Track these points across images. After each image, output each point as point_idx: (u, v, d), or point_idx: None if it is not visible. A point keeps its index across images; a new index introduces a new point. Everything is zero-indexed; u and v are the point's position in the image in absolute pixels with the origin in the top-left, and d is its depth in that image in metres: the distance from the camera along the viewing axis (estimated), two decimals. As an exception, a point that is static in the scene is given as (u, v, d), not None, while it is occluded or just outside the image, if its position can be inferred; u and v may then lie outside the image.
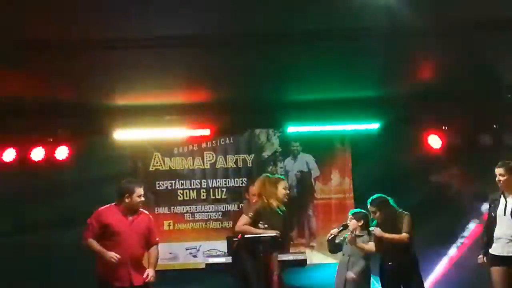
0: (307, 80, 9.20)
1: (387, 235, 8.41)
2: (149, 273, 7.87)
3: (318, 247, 10.43)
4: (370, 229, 8.53)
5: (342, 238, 8.82)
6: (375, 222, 8.53)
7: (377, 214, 8.59)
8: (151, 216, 8.28)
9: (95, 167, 10.19)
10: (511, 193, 8.19)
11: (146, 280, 7.85)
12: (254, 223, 8.14)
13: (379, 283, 8.73)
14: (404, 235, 8.49)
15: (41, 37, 7.60)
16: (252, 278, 8.16)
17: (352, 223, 8.74)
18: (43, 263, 9.87)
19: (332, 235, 8.83)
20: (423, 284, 8.70)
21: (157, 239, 8.11)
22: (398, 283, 8.61)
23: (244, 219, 8.17)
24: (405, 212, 8.61)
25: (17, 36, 7.52)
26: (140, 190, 7.90)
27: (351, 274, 8.53)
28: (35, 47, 7.77)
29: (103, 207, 7.93)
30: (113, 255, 7.66)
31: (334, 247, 8.88)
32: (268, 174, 8.62)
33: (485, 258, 8.25)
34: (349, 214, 8.89)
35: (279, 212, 8.18)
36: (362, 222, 8.71)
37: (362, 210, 8.90)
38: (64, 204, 10.00)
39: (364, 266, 8.59)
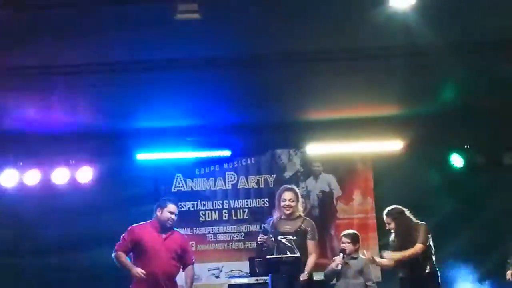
0: (328, 99, 9.20)
1: (397, 255, 8.29)
2: None
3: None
4: (384, 254, 8.44)
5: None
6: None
7: (392, 225, 8.51)
8: (186, 236, 8.36)
9: (117, 189, 10.23)
10: None
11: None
12: None
13: None
14: (418, 246, 8.36)
15: (67, 61, 7.70)
16: None
17: (349, 247, 8.61)
18: (66, 285, 9.89)
19: (341, 265, 8.64)
20: None
21: (192, 259, 8.15)
22: None
23: None
24: (421, 222, 8.50)
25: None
26: (172, 206, 8.01)
27: None
28: (60, 70, 7.84)
29: (138, 224, 8.03)
30: (139, 271, 7.71)
31: (333, 276, 8.72)
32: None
33: None
34: (343, 237, 8.74)
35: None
36: (357, 245, 8.64)
37: (353, 231, 8.79)
38: (87, 226, 10.01)
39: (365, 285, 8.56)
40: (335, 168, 10.76)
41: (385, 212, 8.55)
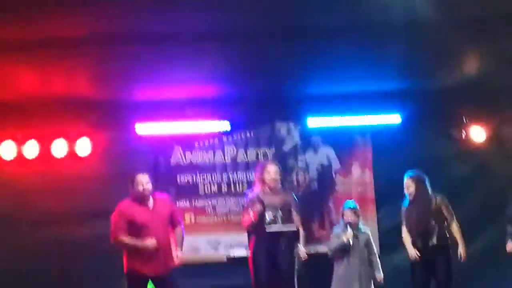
0: (328, 73, 9.19)
1: (461, 243, 8.43)
2: (178, 254, 7.95)
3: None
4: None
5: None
6: None
7: (411, 189, 8.54)
8: (167, 196, 8.36)
9: (116, 161, 10.21)
10: None
11: (176, 264, 7.93)
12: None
13: None
14: (454, 225, 8.46)
15: (65, 33, 7.66)
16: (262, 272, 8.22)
17: (354, 220, 8.69)
18: (64, 256, 9.93)
19: (347, 239, 8.71)
20: (451, 271, 8.61)
21: (180, 219, 8.18)
22: (427, 265, 8.57)
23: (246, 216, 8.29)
24: (440, 196, 8.54)
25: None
26: (139, 178, 7.90)
27: (379, 277, 8.54)
28: (59, 42, 7.81)
29: (121, 203, 7.98)
30: (150, 242, 7.72)
31: (339, 250, 8.80)
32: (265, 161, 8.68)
33: None
34: (347, 209, 8.82)
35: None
36: (360, 216, 8.72)
37: (354, 201, 8.90)
38: (85, 198, 10.03)
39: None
40: (334, 141, 10.75)
41: (407, 174, 8.56)
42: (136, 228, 7.81)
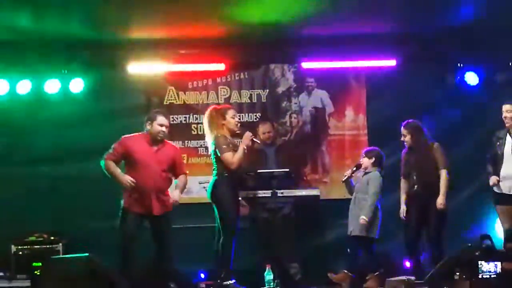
0: (323, 14, 9.10)
1: (443, 194, 8.47)
2: (174, 194, 8.02)
3: (331, 183, 10.45)
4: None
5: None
6: None
7: (407, 137, 8.68)
8: (178, 148, 8.46)
9: (109, 100, 10.21)
10: None
11: (170, 201, 8.00)
12: None
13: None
14: (444, 172, 8.53)
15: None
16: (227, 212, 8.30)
17: (364, 161, 8.85)
18: (56, 193, 9.96)
19: (346, 176, 8.94)
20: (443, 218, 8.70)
21: (185, 170, 8.28)
22: (421, 208, 8.64)
23: (231, 155, 8.25)
24: (436, 143, 8.63)
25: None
26: (162, 119, 8.12)
27: (362, 219, 8.60)
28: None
29: (129, 135, 8.09)
30: (128, 179, 7.81)
31: (350, 189, 8.97)
32: (215, 106, 8.72)
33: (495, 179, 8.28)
34: (363, 152, 8.98)
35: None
36: (373, 159, 8.80)
37: (376, 148, 8.98)
38: (78, 136, 10.03)
39: (373, 205, 8.64)
40: (328, 85, 10.71)
41: (403, 123, 8.64)
42: (133, 161, 7.97)
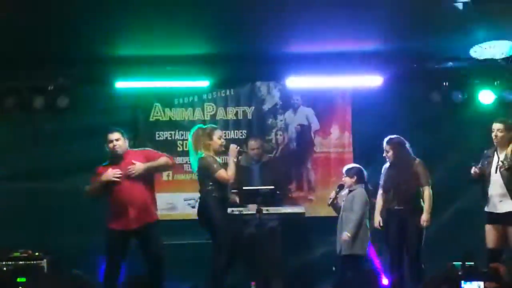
0: (309, 32, 9.13)
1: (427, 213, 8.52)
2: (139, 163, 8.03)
3: (316, 200, 10.47)
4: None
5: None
6: None
7: (390, 153, 8.69)
8: (143, 150, 8.43)
9: (95, 116, 10.17)
10: (503, 150, 8.24)
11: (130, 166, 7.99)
12: None
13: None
14: (427, 189, 8.56)
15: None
16: (219, 231, 8.28)
17: (347, 181, 8.86)
18: (37, 210, 9.92)
19: (331, 199, 8.94)
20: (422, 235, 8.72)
21: (159, 154, 8.34)
22: (401, 224, 8.66)
23: (224, 171, 8.27)
24: (418, 160, 8.66)
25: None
26: (109, 136, 8.02)
27: (345, 234, 8.60)
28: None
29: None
30: (111, 172, 7.81)
31: (337, 210, 8.98)
32: (201, 125, 8.74)
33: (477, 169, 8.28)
34: (343, 172, 8.98)
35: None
36: (355, 177, 8.82)
37: (355, 166, 9.00)
38: (63, 152, 10.01)
39: (357, 222, 8.64)
40: (314, 102, 10.75)
41: (386, 139, 8.67)
42: (110, 189, 7.90)
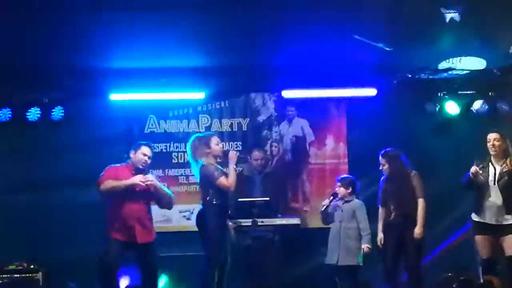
0: (304, 44, 9.15)
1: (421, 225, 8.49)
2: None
3: (312, 211, 10.46)
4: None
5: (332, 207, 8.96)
6: None
7: (385, 166, 8.69)
8: (159, 179, 8.48)
9: (90, 129, 10.19)
10: (499, 161, 8.22)
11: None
12: None
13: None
14: (421, 201, 8.55)
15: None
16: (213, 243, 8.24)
17: (341, 191, 8.87)
18: (35, 223, 9.91)
19: (325, 206, 8.95)
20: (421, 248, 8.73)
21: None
22: (399, 237, 8.66)
23: (225, 179, 8.24)
24: (414, 172, 8.66)
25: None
26: (145, 149, 8.19)
27: (365, 246, 8.64)
28: (31, 7, 7.74)
29: (114, 165, 8.10)
30: (139, 178, 7.90)
31: (327, 218, 8.99)
32: (198, 134, 8.71)
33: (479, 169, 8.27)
34: (337, 181, 9.00)
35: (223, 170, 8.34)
36: (350, 189, 8.84)
37: (349, 176, 9.03)
38: (59, 165, 10.00)
39: (369, 232, 8.70)
40: (309, 113, 10.76)
41: (381, 152, 8.67)
42: (120, 194, 7.93)
